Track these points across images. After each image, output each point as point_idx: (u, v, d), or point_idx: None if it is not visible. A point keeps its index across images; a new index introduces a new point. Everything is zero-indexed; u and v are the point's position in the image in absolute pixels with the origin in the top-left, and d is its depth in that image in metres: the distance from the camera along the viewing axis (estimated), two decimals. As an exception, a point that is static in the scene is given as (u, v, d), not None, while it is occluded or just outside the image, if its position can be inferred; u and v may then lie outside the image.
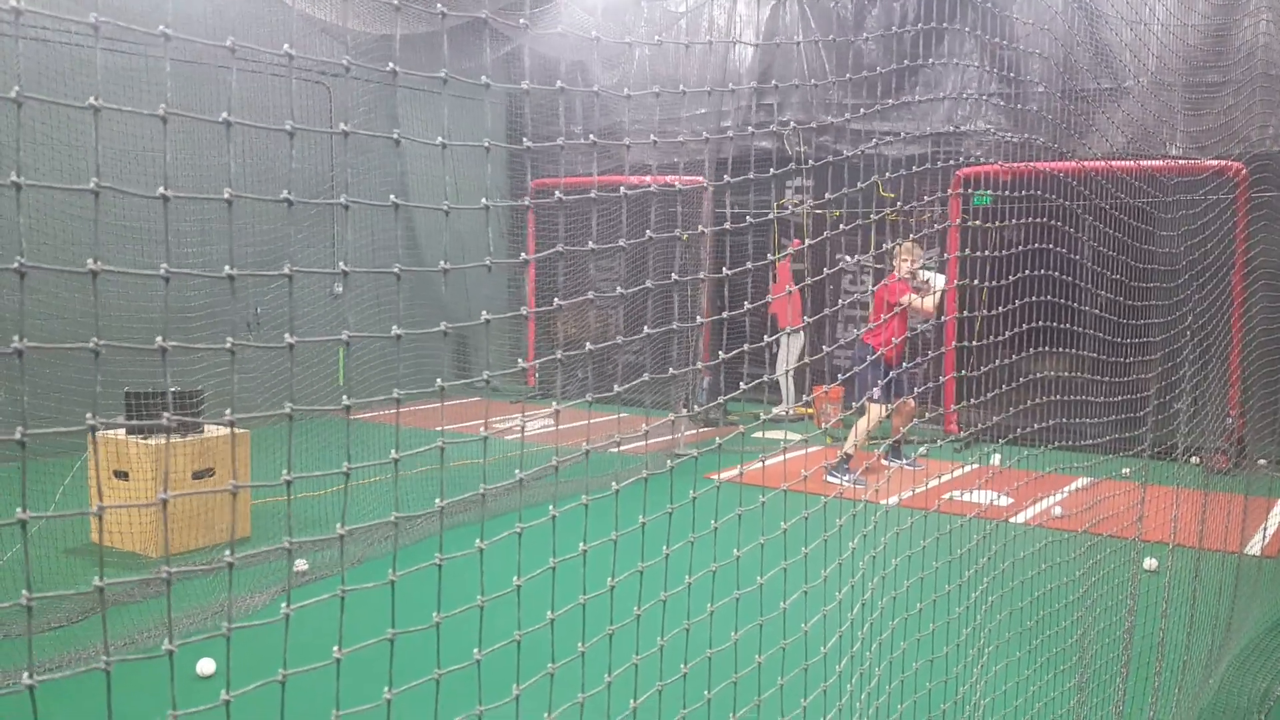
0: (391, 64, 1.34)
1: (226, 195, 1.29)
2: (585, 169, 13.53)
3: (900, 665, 3.13)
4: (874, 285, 11.36)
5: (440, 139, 1.42)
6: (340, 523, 1.35)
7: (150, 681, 4.19)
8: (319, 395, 9.90)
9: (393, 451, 1.40)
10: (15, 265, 1.17)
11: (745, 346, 2.42)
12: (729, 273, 2.23)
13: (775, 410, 11.83)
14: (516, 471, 1.60)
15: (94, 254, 1.18)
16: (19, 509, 1.24)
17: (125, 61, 8.15)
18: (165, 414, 1.36)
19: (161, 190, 1.24)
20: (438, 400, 1.43)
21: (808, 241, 4.26)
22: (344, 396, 1.35)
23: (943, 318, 8.43)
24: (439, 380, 1.50)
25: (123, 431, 6.39)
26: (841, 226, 3.58)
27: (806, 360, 11.58)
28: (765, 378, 11.80)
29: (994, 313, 3.71)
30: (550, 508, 1.73)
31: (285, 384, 8.95)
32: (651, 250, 11.94)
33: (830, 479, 8.25)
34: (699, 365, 7.40)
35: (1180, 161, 8.99)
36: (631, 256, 12.41)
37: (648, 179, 12.06)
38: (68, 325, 7.89)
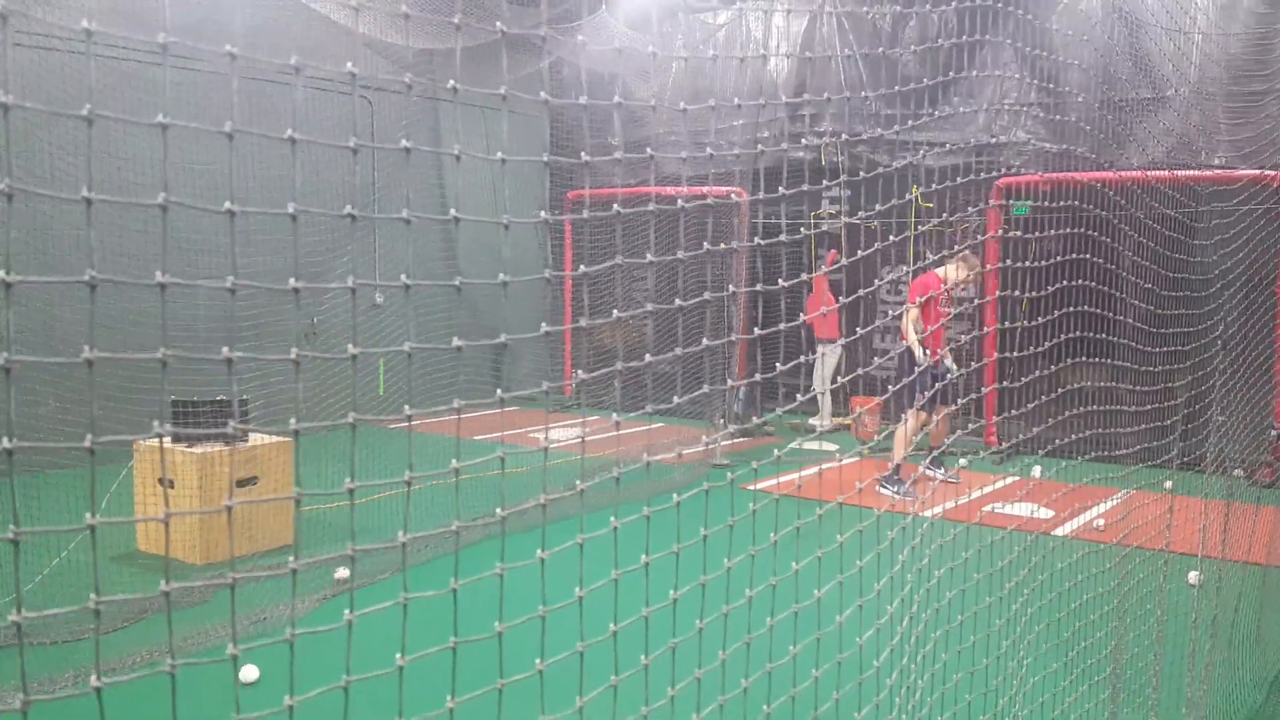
0: (452, 81, 1.37)
1: (291, 210, 1.31)
2: (620, 179, 13.58)
3: (941, 677, 3.12)
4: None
5: (500, 154, 1.44)
6: (403, 530, 1.36)
7: (194, 688, 4.22)
8: (359, 404, 9.98)
9: (453, 461, 1.42)
10: (87, 278, 1.20)
11: (780, 363, 2.42)
12: (762, 288, 2.24)
13: (812, 422, 11.79)
14: (577, 482, 1.62)
15: (161, 266, 1.21)
16: (87, 514, 1.27)
17: (169, 75, 8.29)
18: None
19: (228, 205, 1.27)
20: (484, 409, 1.44)
21: (844, 258, 4.26)
22: (406, 406, 1.37)
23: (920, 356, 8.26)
24: (499, 391, 1.52)
25: (167, 440, 6.48)
26: (884, 240, 3.57)
27: (842, 375, 11.51)
28: (806, 388, 11.78)
29: (1033, 324, 3.69)
30: (612, 519, 1.74)
31: (331, 393, 9.05)
32: (689, 261, 11.94)
33: (882, 490, 8.19)
34: (735, 384, 7.39)
35: (1218, 171, 8.90)
36: (666, 269, 12.41)
37: (685, 189, 12.07)
38: (114, 334, 8.03)
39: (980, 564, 3.33)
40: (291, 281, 1.32)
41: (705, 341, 2.05)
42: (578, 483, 1.60)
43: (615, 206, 1.69)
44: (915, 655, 3.00)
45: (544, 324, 1.53)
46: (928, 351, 8.24)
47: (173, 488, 6.32)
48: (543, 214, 1.52)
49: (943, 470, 8.97)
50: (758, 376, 2.40)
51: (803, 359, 2.67)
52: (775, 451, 2.42)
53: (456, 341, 1.39)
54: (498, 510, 1.50)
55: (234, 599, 1.24)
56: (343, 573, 6.15)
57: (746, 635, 2.18)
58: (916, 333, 8.32)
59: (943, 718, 3.12)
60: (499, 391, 1.45)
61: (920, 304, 8.36)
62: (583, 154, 1.50)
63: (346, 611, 1.28)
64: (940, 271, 8.52)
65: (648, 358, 1.82)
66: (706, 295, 1.96)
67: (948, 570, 3.19)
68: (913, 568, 3.00)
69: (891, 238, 3.12)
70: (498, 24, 1.47)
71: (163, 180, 1.29)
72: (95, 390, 1.42)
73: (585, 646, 1.62)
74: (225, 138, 1.39)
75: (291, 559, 1.27)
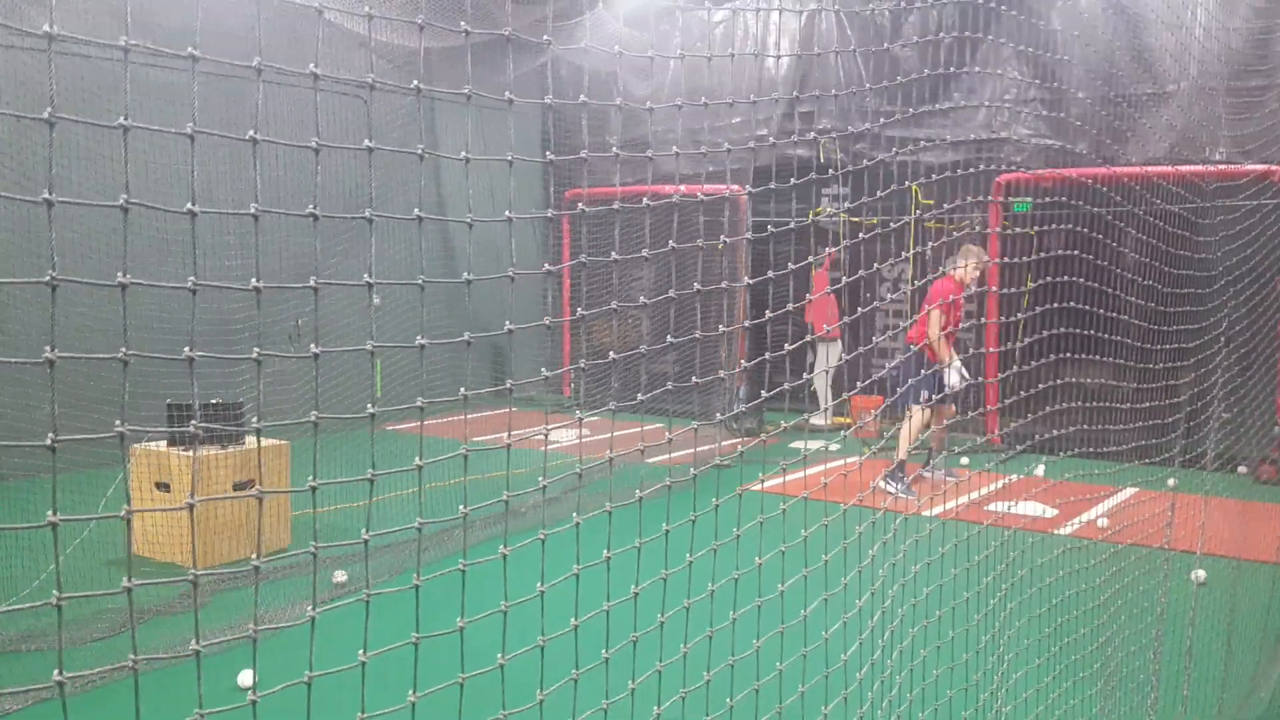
0: (416, 82, 1.37)
1: (253, 210, 1.32)
2: (618, 179, 13.57)
3: (921, 673, 3.12)
4: (915, 287, 11.23)
5: (463, 153, 1.44)
6: (365, 528, 1.37)
7: (190, 692, 4.21)
8: (358, 409, 9.99)
9: (416, 459, 1.42)
10: (47, 279, 1.21)
11: (779, 362, 2.43)
12: (750, 281, 2.24)
13: (811, 419, 11.77)
14: (540, 479, 1.62)
15: (122, 268, 1.22)
16: (49, 512, 1.27)
17: (164, 75, 8.29)
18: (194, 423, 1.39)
19: (189, 206, 1.27)
20: (465, 409, 1.45)
21: (844, 244, 4.26)
22: (368, 405, 1.38)
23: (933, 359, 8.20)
24: (462, 389, 1.52)
25: (164, 443, 6.49)
26: (874, 231, 3.57)
27: (841, 372, 11.49)
28: (797, 381, 11.76)
29: (1036, 316, 3.68)
30: (574, 515, 1.74)
31: (325, 396, 9.06)
32: (686, 260, 11.94)
33: (883, 486, 8.16)
34: (735, 369, 7.36)
35: (1221, 167, 8.87)
36: (664, 267, 12.41)
37: (681, 188, 12.05)
38: (108, 339, 8.04)
39: (981, 561, 3.32)
40: (253, 282, 1.33)
41: (677, 340, 2.05)
42: (540, 480, 1.60)
43: (579, 204, 1.69)
44: (891, 650, 2.99)
45: (538, 327, 1.54)
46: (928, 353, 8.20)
47: (168, 491, 6.33)
48: (507, 213, 1.53)
49: (942, 471, 8.95)
50: (765, 356, 2.39)
51: (796, 345, 2.67)
52: (739, 446, 2.42)
53: (420, 340, 1.39)
54: (460, 507, 1.50)
55: (196, 595, 1.25)
56: (341, 576, 6.16)
57: (709, 629, 2.18)
58: (938, 337, 8.20)
59: (923, 714, 3.12)
60: (461, 390, 1.46)
61: (942, 309, 8.25)
62: (547, 153, 1.50)
63: (309, 608, 1.29)
64: (956, 275, 8.36)
65: (614, 355, 1.82)
66: (672, 293, 1.96)
67: (937, 567, 3.19)
68: (885, 562, 2.99)
69: (879, 230, 3.12)
70: (462, 24, 1.47)
71: (124, 181, 1.30)
72: (73, 395, 1.42)
73: (545, 641, 1.63)
74: (235, 140, 1.39)
75: (254, 556, 1.27)
